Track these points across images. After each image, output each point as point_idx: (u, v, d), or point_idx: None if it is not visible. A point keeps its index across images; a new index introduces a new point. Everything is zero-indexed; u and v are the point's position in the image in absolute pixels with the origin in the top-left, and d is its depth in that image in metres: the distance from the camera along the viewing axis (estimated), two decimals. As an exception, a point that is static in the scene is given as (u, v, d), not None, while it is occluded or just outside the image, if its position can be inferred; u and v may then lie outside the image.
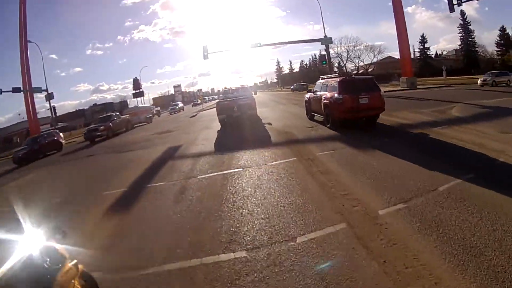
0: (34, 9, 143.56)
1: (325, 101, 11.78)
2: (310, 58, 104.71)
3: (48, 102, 38.57)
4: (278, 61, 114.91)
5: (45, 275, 2.26)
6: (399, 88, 31.38)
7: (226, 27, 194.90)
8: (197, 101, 65.30)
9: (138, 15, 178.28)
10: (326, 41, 35.31)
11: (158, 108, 57.30)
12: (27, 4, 37.05)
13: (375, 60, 63.60)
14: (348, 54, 62.44)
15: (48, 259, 2.37)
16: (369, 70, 60.61)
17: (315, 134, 10.95)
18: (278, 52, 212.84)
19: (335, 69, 69.82)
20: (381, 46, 65.53)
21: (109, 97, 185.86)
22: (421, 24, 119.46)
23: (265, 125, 15.00)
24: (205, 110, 40.85)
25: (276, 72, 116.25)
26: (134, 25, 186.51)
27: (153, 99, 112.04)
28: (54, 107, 38.73)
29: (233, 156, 8.91)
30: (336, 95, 10.90)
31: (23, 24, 37.39)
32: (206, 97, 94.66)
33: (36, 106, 38.34)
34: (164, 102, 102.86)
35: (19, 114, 63.41)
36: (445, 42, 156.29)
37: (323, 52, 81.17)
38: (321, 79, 13.58)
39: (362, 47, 62.03)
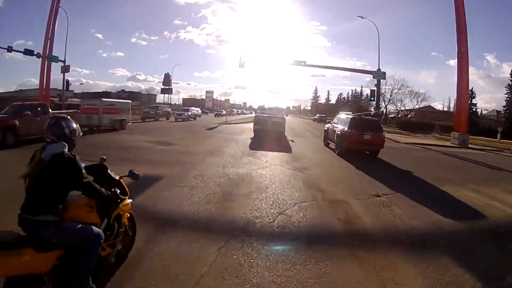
0: None
1: (337, 132, 14.40)
2: (348, 93, 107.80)
3: (62, 74, 35.39)
4: (316, 88, 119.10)
5: (116, 199, 3.24)
6: (449, 143, 25.47)
7: (269, 46, 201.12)
8: (222, 111, 59.39)
9: (188, 16, 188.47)
10: (379, 75, 32.50)
11: (169, 109, 47.89)
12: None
13: (417, 106, 63.00)
14: (391, 95, 62.34)
15: (117, 190, 3.35)
16: (409, 116, 60.33)
17: (324, 156, 13.62)
18: (316, 81, 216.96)
19: (373, 109, 71.68)
20: (425, 93, 64.76)
21: (143, 87, 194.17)
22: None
23: (288, 140, 18.94)
24: (229, 123, 35.03)
25: (312, 99, 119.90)
26: (183, 25, 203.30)
27: (183, 99, 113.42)
28: (67, 81, 35.96)
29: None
30: (346, 128, 13.51)
31: None
32: (234, 110, 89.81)
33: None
34: (194, 105, 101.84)
35: (16, 88, 61.21)
36: (482, 101, 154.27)
37: (365, 88, 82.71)
38: (339, 114, 16.27)
39: (406, 91, 61.58)
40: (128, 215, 3.67)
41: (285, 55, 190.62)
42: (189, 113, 42.57)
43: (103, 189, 3.02)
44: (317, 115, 70.33)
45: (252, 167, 9.89)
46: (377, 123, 14.15)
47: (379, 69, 32.29)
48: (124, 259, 3.68)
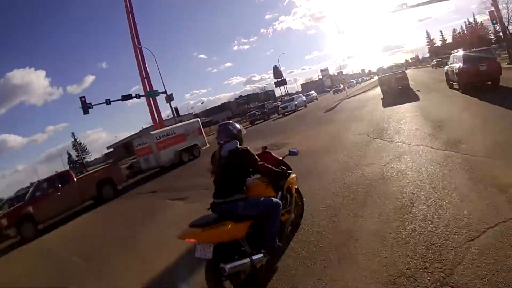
0: (179, 16, 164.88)
1: (455, 71, 16.16)
2: (461, 26, 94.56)
3: (168, 103, 34.99)
4: (427, 32, 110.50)
5: (284, 174, 4.05)
6: None
7: (365, 6, 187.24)
8: (339, 86, 54.63)
9: (275, 7, 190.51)
10: None
11: (279, 103, 42.93)
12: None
13: None
14: (508, 15, 53.81)
15: (284, 167, 4.22)
16: None
17: (448, 94, 16.09)
18: (424, 25, 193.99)
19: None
20: None
21: (261, 86, 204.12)
22: None
23: (415, 91, 20.74)
24: (350, 97, 33.21)
25: (427, 45, 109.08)
26: (274, 17, 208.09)
27: (301, 85, 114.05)
28: (176, 108, 35.30)
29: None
30: (461, 65, 15.31)
31: (134, 32, 38.45)
32: (353, 80, 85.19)
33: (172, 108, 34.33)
34: (312, 88, 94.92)
35: (141, 128, 63.36)
36: None
37: (478, 16, 72.17)
38: (453, 53, 17.99)
39: None
40: (296, 187, 4.48)
41: (385, 7, 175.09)
42: (296, 102, 35.23)
43: (273, 167, 3.84)
44: (434, 60, 67.97)
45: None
46: (488, 51, 15.45)
47: None
48: (298, 226, 4.50)
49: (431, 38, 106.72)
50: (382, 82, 23.06)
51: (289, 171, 4.18)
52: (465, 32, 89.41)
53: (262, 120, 36.68)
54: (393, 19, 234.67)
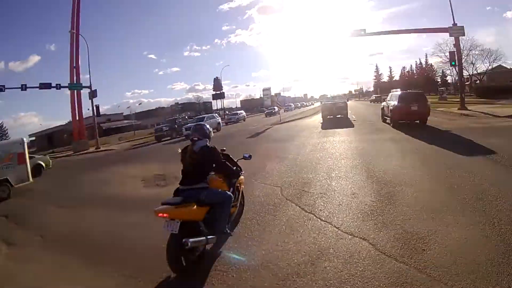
0: (137, 13, 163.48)
1: (390, 108, 17.40)
2: (412, 65, 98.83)
3: (91, 100, 32.83)
4: (376, 66, 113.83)
5: (238, 173, 4.95)
6: None
7: (320, 33, 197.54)
8: (274, 108, 49.13)
9: (234, 20, 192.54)
10: (457, 31, 25.61)
11: (216, 117, 34.01)
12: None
13: (490, 68, 53.31)
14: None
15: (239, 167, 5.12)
16: (477, 81, 52.88)
17: (378, 126, 16.85)
18: (374, 60, 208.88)
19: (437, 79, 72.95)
20: (497, 51, 51.98)
21: (204, 96, 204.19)
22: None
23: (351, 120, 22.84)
24: (284, 122, 29.99)
25: (374, 79, 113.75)
26: (231, 30, 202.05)
27: (241, 101, 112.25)
28: (97, 106, 33.08)
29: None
30: (396, 103, 16.48)
31: (75, 16, 35.92)
32: (291, 104, 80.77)
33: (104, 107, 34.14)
34: (252, 105, 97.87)
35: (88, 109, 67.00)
36: None
37: (432, 57, 78.29)
38: (391, 92, 19.18)
39: (477, 51, 50.64)
40: (243, 187, 5.28)
41: (339, 37, 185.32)
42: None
43: (231, 167, 4.68)
44: (373, 96, 74.92)
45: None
46: (421, 95, 16.90)
47: (454, 24, 25.44)
48: (237, 223, 5.07)
49: (379, 73, 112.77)
50: (324, 109, 25.47)
51: (241, 172, 5.10)
52: (414, 71, 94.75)
53: (169, 138, 28.87)
54: (345, 50, 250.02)
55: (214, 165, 4.35)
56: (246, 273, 3.76)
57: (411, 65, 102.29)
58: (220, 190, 4.30)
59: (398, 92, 17.73)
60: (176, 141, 24.44)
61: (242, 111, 52.64)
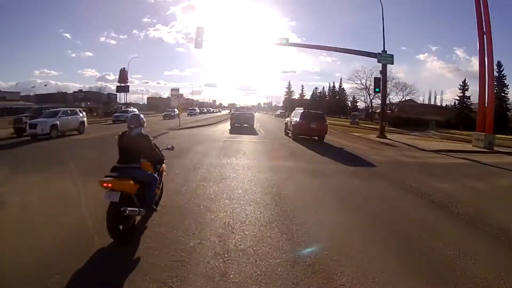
0: None
1: (293, 123, 18.72)
2: (324, 87, 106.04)
3: None
4: (289, 84, 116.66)
5: (163, 160, 5.64)
6: (471, 146, 19.34)
7: (238, 43, 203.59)
8: (173, 111, 44.60)
9: (156, 13, 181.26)
10: (386, 58, 24.94)
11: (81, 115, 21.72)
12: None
13: (403, 99, 59.77)
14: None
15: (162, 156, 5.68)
16: (389, 111, 53.97)
17: (280, 137, 17.87)
18: (287, 77, 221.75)
19: (349, 105, 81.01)
20: (412, 86, 59.47)
21: (113, 87, 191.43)
22: (431, 72, 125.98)
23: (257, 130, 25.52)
24: (183, 128, 25.92)
25: (285, 95, 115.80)
26: (152, 23, 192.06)
27: (148, 98, 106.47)
28: None
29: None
30: (298, 120, 17.80)
31: None
32: (195, 109, 72.18)
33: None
34: (159, 104, 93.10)
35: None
36: (450, 94, 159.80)
37: (346, 83, 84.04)
38: (296, 109, 20.79)
39: (392, 83, 55.70)
40: (164, 173, 6.00)
41: (255, 51, 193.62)
42: (57, 122, 18.19)
43: (159, 153, 5.58)
44: (278, 111, 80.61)
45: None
46: (321, 115, 18.83)
47: (384, 51, 24.99)
48: (157, 206, 5.34)
49: (291, 90, 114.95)
50: (233, 117, 27.50)
51: (164, 160, 5.79)
52: (326, 93, 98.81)
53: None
54: (259, 63, 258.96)
55: (146, 149, 4.98)
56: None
57: (323, 87, 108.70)
58: (149, 171, 4.96)
59: (301, 110, 19.21)
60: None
61: (135, 110, 39.92)
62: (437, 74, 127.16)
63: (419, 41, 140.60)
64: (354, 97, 77.77)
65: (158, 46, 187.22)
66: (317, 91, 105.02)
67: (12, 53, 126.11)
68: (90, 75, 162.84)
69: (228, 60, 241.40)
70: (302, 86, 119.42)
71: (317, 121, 17.78)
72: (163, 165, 5.79)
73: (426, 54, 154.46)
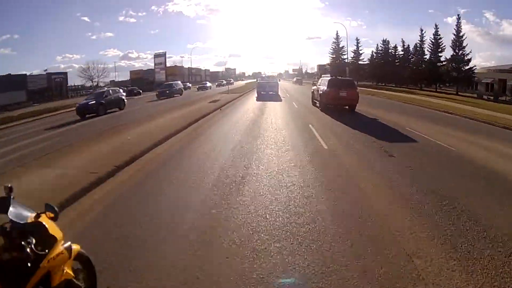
0: None
1: (320, 92, 17.14)
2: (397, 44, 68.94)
3: None
4: (337, 35, 75.11)
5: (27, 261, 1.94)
6: None
7: (260, 11, 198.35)
8: (169, 86, 37.39)
9: None
10: None
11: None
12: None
13: None
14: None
15: (33, 241, 2.03)
16: None
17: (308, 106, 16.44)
18: (312, 43, 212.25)
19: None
20: None
21: (137, 65, 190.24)
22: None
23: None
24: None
25: (332, 56, 77.14)
26: None
27: (131, 72, 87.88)
28: None
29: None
30: (325, 88, 16.22)
31: None
32: (206, 83, 60.39)
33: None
34: (143, 78, 76.97)
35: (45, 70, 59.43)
36: (480, 58, 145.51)
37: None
38: (322, 76, 19.01)
39: None
40: (69, 266, 2.32)
41: (279, 20, 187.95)
42: None
43: None
44: (295, 78, 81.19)
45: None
46: (351, 82, 16.90)
47: None
48: None
49: (340, 46, 74.88)
50: (259, 86, 29.33)
51: (40, 253, 2.31)
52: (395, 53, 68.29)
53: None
54: (282, 30, 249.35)
55: None
56: None
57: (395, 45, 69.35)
58: None
59: (328, 77, 17.46)
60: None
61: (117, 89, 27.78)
62: (467, 39, 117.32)
63: (447, 3, 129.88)
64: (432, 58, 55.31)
65: (178, 20, 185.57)
66: (379, 51, 70.81)
67: (32, 42, 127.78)
68: (113, 55, 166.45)
69: (252, 29, 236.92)
70: (358, 40, 75.20)
71: (347, 89, 16.04)
72: (56, 251, 2.16)
73: (454, 17, 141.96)
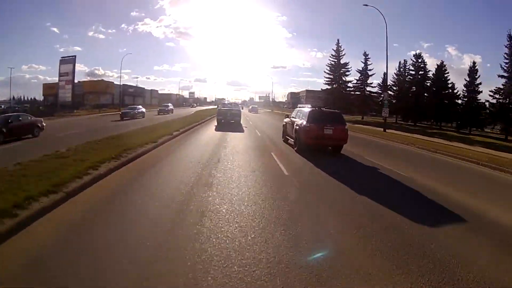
0: None
1: (296, 127, 13.05)
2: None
3: None
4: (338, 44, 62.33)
5: None
6: None
7: (228, 37, 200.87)
8: (136, 108, 38.81)
9: (145, 8, 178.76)
10: None
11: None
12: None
13: None
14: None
15: None
16: None
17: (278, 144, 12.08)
18: (276, 72, 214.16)
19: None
20: None
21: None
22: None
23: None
24: None
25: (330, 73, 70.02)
26: (140, 17, 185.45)
27: (44, 85, 70.54)
28: None
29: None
30: (304, 123, 12.20)
31: None
32: (168, 105, 52.96)
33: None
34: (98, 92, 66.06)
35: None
36: None
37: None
38: (299, 107, 15.24)
39: None
40: None
41: (246, 46, 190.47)
42: None
43: None
44: (250, 106, 77.32)
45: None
46: (338, 116, 12.79)
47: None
48: None
49: (341, 54, 59.23)
50: (220, 113, 26.42)
51: None
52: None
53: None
54: (248, 58, 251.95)
55: None
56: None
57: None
58: None
59: (307, 108, 13.29)
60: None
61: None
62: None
63: (411, 38, 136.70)
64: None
65: (147, 40, 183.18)
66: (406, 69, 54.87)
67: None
68: (79, 70, 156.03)
69: (218, 55, 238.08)
70: (366, 54, 59.16)
71: (334, 125, 12.03)
72: None
73: (418, 51, 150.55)
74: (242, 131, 21.29)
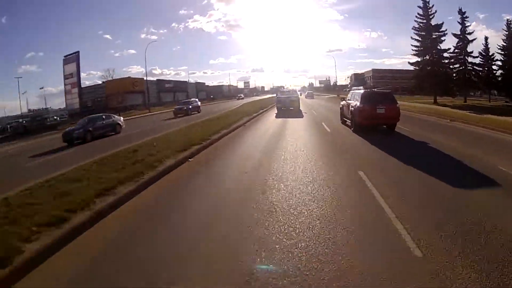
0: None
1: (351, 108, 14.35)
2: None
3: None
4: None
5: None
6: None
7: (279, 25, 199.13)
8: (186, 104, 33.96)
9: (192, 4, 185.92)
10: None
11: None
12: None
13: None
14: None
15: None
16: None
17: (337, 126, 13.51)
18: (332, 56, 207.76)
19: None
20: None
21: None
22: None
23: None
24: None
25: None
26: (189, 14, 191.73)
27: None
28: None
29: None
30: (358, 104, 13.46)
31: None
32: (189, 100, 39.04)
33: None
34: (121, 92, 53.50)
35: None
36: None
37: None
38: (353, 89, 16.51)
39: None
40: None
41: (298, 32, 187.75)
42: None
43: None
44: (307, 91, 77.72)
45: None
46: (389, 95, 13.83)
47: None
48: None
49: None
50: (279, 101, 27.45)
51: None
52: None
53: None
54: (303, 44, 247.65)
55: None
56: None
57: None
58: None
59: (360, 90, 14.44)
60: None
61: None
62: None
63: (466, 10, 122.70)
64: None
65: (199, 36, 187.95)
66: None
67: (55, 59, 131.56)
68: (136, 71, 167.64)
69: (272, 44, 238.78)
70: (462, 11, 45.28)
71: (385, 104, 12.99)
72: None
73: (474, 23, 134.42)
74: (301, 116, 22.23)
